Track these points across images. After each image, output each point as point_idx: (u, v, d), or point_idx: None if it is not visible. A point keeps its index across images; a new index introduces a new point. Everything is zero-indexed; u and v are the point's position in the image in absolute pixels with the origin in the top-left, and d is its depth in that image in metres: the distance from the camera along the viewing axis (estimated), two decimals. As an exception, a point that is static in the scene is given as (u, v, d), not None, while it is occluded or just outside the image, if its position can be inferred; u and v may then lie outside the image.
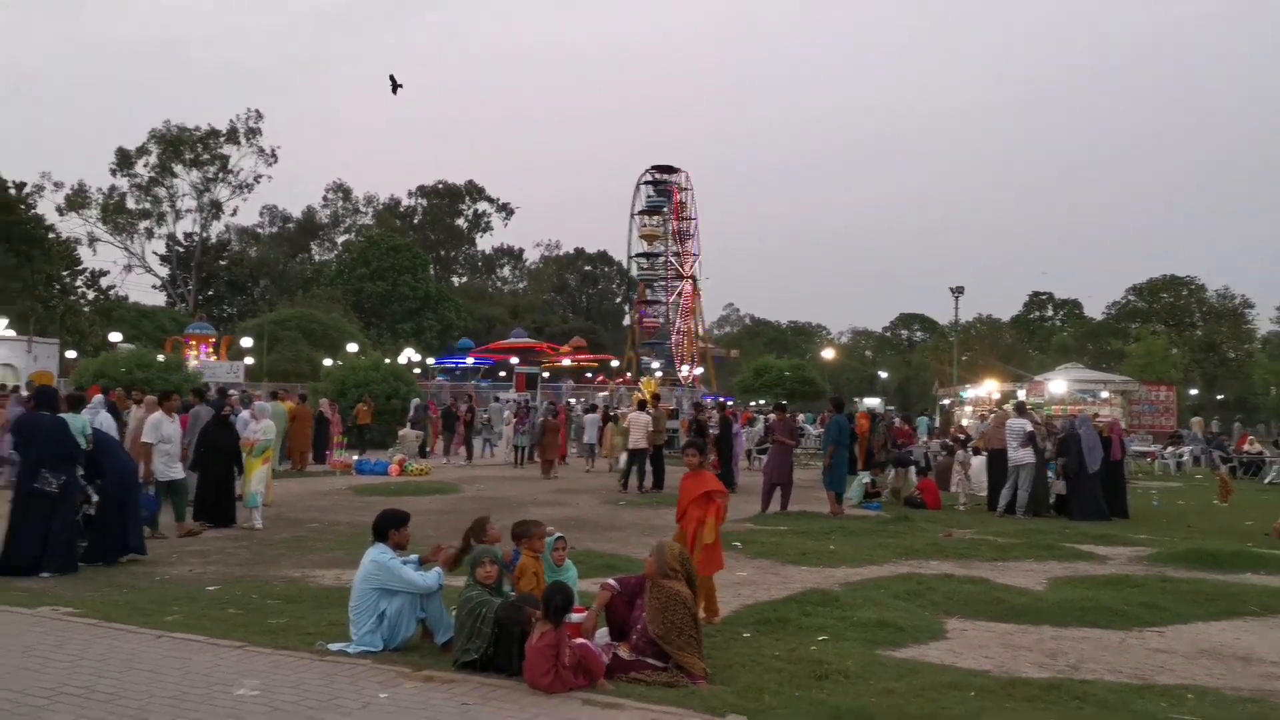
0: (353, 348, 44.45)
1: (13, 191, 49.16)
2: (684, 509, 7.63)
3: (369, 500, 16.05)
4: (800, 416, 36.54)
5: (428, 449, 26.45)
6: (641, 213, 73.49)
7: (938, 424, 40.60)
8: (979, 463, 18.57)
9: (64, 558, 8.95)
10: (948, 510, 16.98)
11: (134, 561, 9.78)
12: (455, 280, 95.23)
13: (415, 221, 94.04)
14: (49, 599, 7.64)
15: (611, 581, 6.21)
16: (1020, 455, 16.09)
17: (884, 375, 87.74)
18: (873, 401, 54.95)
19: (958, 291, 51.23)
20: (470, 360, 58.58)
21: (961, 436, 22.88)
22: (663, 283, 74.00)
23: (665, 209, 73.29)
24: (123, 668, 5.63)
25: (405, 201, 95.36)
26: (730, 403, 39.88)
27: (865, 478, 17.58)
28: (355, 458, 23.34)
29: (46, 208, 61.04)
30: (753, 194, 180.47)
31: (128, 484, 10.03)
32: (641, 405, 20.75)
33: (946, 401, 47.36)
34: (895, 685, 5.73)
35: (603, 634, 6.02)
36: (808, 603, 8.07)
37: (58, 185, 70.22)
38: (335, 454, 24.00)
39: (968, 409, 40.23)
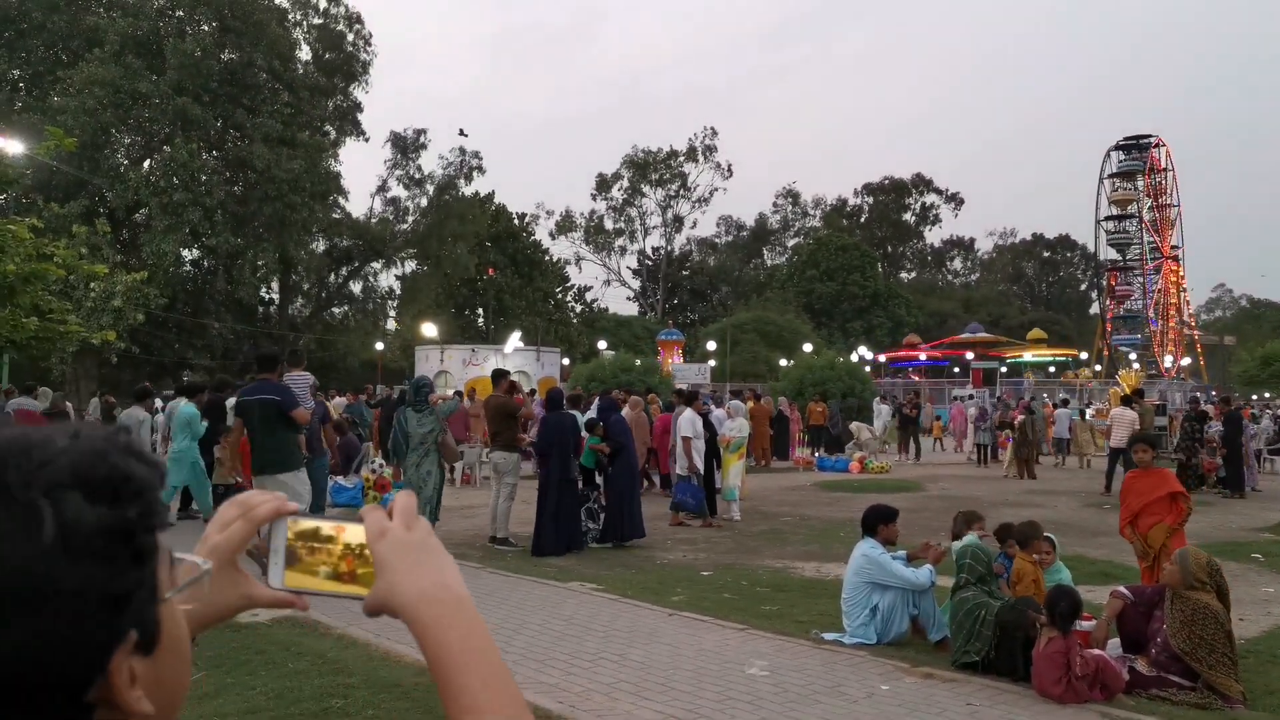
0: (808, 347, 45.54)
1: (516, 221, 57.49)
2: (1135, 512, 6.90)
3: (835, 496, 16.38)
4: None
5: (886, 446, 26.38)
6: (1112, 176, 66.00)
7: None
8: None
9: (579, 538, 10.27)
10: None
11: (635, 546, 10.89)
12: (904, 276, 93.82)
13: (862, 220, 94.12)
14: (575, 576, 8.76)
15: (1123, 589, 5.77)
16: None
17: None
18: None
19: None
20: (923, 357, 57.56)
21: None
22: (1136, 256, 66.26)
23: (1139, 174, 65.34)
24: (646, 640, 6.30)
25: (851, 201, 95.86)
26: (1228, 398, 35.00)
27: None
28: (817, 455, 23.93)
29: (541, 233, 70.04)
30: (1241, 153, 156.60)
31: (633, 476, 11.22)
32: (1126, 400, 18.97)
33: None
34: None
35: (1114, 645, 5.61)
36: (1367, 628, 6.90)
37: (549, 213, 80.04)
38: (797, 451, 24.78)
39: None
